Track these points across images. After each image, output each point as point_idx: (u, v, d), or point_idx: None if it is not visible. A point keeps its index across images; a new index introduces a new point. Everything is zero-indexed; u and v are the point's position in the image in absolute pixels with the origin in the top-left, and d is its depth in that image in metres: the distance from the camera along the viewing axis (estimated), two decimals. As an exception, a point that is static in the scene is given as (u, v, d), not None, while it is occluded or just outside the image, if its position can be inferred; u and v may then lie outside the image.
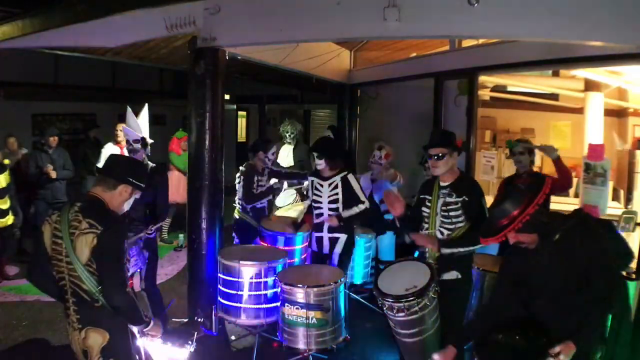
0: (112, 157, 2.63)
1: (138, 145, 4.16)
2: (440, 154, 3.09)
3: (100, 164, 6.35)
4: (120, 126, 6.41)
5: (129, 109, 4.29)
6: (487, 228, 2.48)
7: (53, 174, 6.20)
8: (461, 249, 3.06)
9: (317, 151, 4.24)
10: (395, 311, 2.91)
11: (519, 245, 2.42)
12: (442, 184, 3.18)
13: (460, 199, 3.07)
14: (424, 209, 3.25)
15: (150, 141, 4.25)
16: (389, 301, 2.92)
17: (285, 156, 6.44)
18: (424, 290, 2.88)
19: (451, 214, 3.10)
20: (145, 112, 4.29)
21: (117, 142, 6.39)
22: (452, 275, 3.11)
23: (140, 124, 4.20)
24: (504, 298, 2.63)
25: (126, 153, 5.87)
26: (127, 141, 4.21)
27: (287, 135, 6.35)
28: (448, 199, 3.11)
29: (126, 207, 2.54)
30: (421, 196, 3.32)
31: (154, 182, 4.08)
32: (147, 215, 4.08)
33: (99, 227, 2.27)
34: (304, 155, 6.55)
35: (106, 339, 2.33)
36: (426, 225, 3.22)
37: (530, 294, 2.52)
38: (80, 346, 2.36)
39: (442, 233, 3.15)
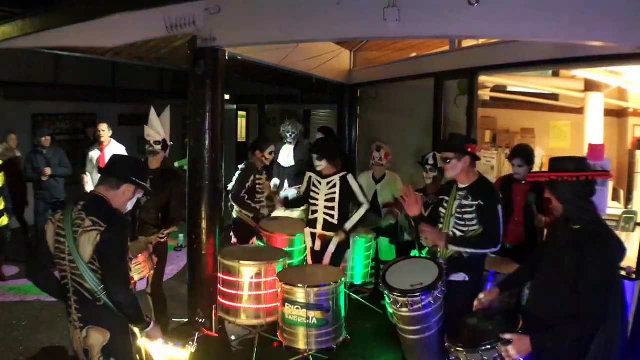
0: (115, 157, 2.64)
1: (159, 147, 4.15)
2: (447, 158, 3.13)
3: (87, 169, 6.44)
4: (102, 126, 6.45)
5: (153, 110, 4.28)
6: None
7: (48, 171, 6.22)
8: (468, 250, 3.07)
9: (316, 153, 4.26)
10: (399, 305, 2.93)
11: (549, 205, 2.50)
12: (460, 185, 3.21)
13: (476, 202, 3.09)
14: (441, 209, 3.28)
15: (170, 143, 4.25)
16: (394, 295, 2.94)
17: (286, 156, 6.43)
18: (429, 288, 2.88)
19: (465, 216, 3.11)
20: (167, 113, 4.29)
21: (100, 144, 6.41)
22: (460, 277, 3.11)
23: (163, 125, 4.20)
24: (533, 260, 2.73)
25: (107, 154, 5.91)
26: (147, 142, 4.17)
27: (288, 135, 6.34)
28: (464, 202, 3.13)
29: (129, 206, 2.56)
30: (440, 197, 3.35)
31: (170, 185, 4.07)
32: (159, 219, 4.07)
33: (103, 225, 2.28)
34: (305, 155, 6.55)
35: (107, 338, 2.34)
36: (440, 226, 3.24)
37: (537, 268, 2.59)
38: (82, 345, 2.36)
39: (454, 234, 3.16)
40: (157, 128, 4.18)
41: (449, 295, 3.03)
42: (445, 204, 3.25)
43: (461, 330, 2.67)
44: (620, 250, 2.37)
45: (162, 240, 4.00)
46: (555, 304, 2.38)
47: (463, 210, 3.12)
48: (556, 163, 2.48)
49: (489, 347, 2.39)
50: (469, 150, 3.13)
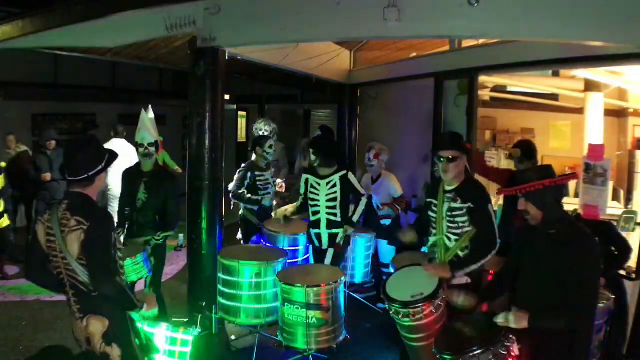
0: (71, 159, 2.52)
1: (153, 149, 4.08)
2: (452, 157, 3.05)
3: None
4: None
5: (144, 111, 4.16)
6: (507, 186, 2.65)
7: (47, 177, 6.25)
8: (473, 267, 3.05)
9: (313, 148, 4.30)
10: (400, 316, 2.90)
11: (524, 217, 2.55)
12: (446, 187, 3.15)
13: (466, 205, 3.05)
14: (430, 213, 3.24)
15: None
16: (395, 306, 2.91)
17: None
18: (429, 298, 2.85)
19: (457, 219, 3.08)
20: (151, 113, 4.20)
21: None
22: (462, 280, 3.08)
23: (153, 125, 4.16)
24: (510, 268, 2.80)
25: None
26: (142, 145, 4.05)
27: (261, 133, 6.28)
28: (453, 205, 3.09)
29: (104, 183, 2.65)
30: (427, 200, 3.31)
31: (165, 186, 4.06)
32: (156, 221, 4.06)
33: (86, 223, 2.37)
34: (280, 155, 6.56)
35: (106, 325, 2.43)
36: (434, 231, 3.20)
37: (520, 274, 2.66)
38: (83, 334, 2.47)
39: (449, 238, 3.12)
40: (151, 129, 4.11)
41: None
42: (434, 208, 3.20)
43: (444, 334, 2.70)
44: (596, 245, 2.47)
45: (158, 242, 3.97)
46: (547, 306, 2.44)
47: (454, 213, 3.09)
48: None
49: (475, 352, 2.42)
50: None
